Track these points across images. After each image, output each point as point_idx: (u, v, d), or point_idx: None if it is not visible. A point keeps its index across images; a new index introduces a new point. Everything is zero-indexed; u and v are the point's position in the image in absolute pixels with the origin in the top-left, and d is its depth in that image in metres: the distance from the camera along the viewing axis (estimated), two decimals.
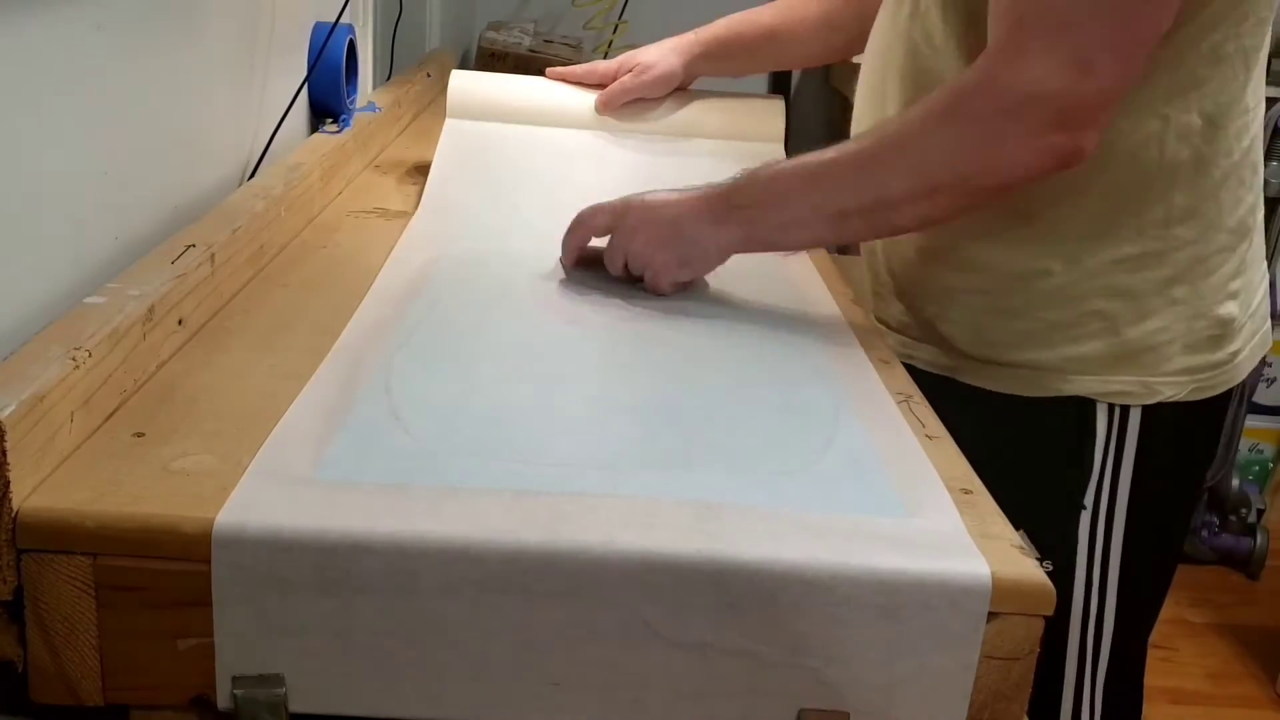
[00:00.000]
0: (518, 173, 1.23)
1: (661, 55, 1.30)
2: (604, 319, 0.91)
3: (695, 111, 1.31)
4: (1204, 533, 2.47)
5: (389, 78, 1.76)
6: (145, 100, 0.90)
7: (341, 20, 1.33)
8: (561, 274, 1.00)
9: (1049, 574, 0.62)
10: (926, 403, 0.81)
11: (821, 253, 1.17)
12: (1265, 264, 1.06)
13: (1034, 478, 0.94)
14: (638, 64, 1.29)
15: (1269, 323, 1.09)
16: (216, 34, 1.05)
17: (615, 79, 1.30)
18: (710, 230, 0.94)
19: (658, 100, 1.30)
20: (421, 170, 1.27)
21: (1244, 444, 2.64)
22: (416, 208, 1.16)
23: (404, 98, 1.58)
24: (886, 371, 0.85)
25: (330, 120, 1.31)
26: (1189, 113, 0.92)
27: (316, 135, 1.26)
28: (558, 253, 1.01)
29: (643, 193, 0.97)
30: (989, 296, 1.00)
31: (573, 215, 0.99)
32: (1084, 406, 0.99)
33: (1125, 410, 0.99)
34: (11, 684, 0.59)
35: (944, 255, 1.02)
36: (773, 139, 1.29)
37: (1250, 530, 2.47)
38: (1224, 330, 1.00)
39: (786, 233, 0.93)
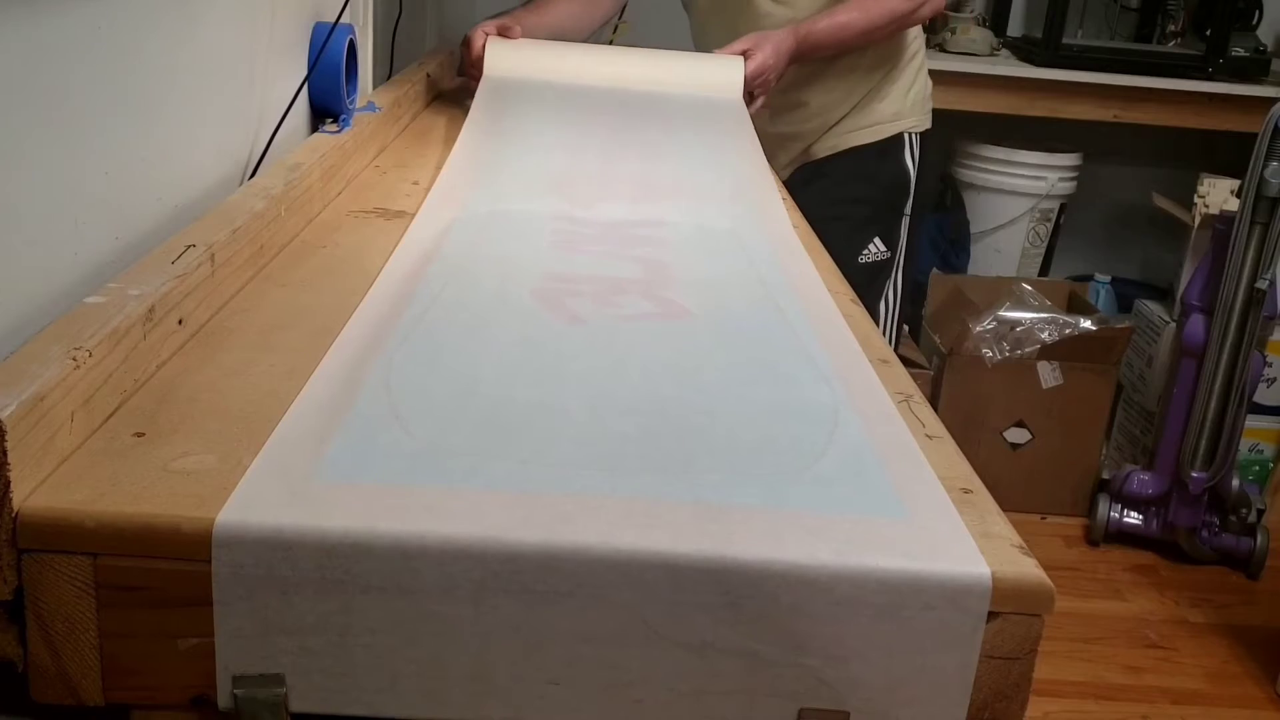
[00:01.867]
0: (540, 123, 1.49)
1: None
2: (604, 319, 0.91)
3: (669, 70, 1.66)
4: (1204, 533, 2.47)
5: (389, 78, 1.76)
6: (145, 100, 0.90)
7: (341, 20, 1.33)
8: (561, 274, 1.00)
9: (883, 260, 1.73)
10: (926, 403, 0.81)
11: (821, 252, 1.17)
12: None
13: (878, 200, 1.86)
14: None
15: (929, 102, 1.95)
16: (216, 34, 1.05)
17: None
18: (789, 53, 1.71)
19: (639, 60, 1.70)
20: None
21: (1244, 444, 2.64)
22: (418, 205, 1.16)
23: (404, 98, 1.58)
24: (886, 371, 0.85)
25: (330, 120, 1.31)
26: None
27: (316, 135, 1.26)
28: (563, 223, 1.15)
29: (765, 41, 1.68)
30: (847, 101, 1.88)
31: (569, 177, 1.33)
32: (898, 139, 1.88)
33: (916, 136, 1.90)
34: (12, 684, 0.59)
35: (814, 88, 1.86)
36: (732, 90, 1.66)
37: (1250, 530, 2.47)
38: (929, 92, 1.94)
39: (827, 54, 1.79)
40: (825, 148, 1.88)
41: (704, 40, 1.88)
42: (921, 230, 3.07)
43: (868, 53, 1.82)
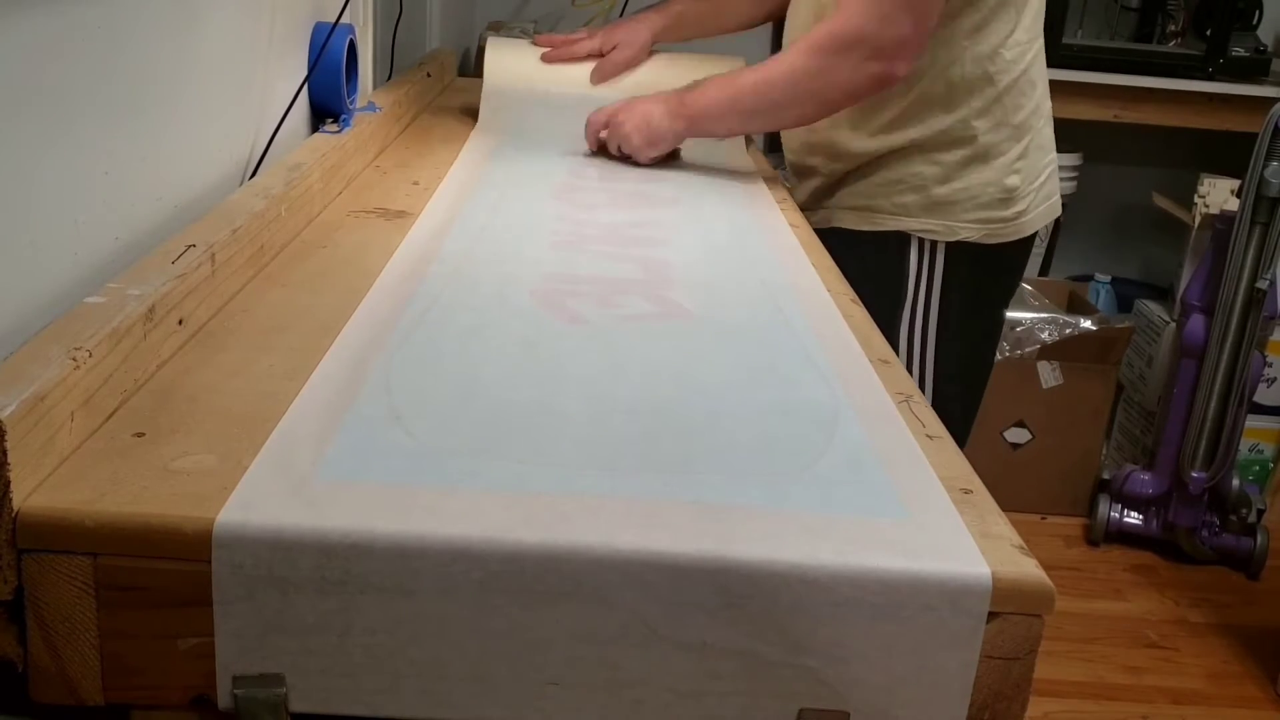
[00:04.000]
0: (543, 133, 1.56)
1: (635, 31, 1.70)
2: (604, 319, 0.91)
3: (670, 73, 1.64)
4: (1204, 533, 2.47)
5: (389, 78, 1.76)
6: (145, 100, 0.90)
7: (341, 20, 1.33)
8: (562, 274, 1.00)
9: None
10: (926, 403, 0.81)
11: (822, 252, 1.17)
12: (1049, 154, 1.52)
13: (872, 291, 1.26)
14: (616, 41, 1.69)
15: (1055, 198, 1.54)
16: (216, 34, 1.05)
17: (600, 52, 1.69)
18: (669, 123, 1.43)
19: (638, 65, 1.69)
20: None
21: (1244, 444, 2.64)
22: (419, 205, 1.16)
23: (404, 98, 1.58)
24: (886, 371, 0.85)
25: (330, 120, 1.31)
26: (980, 44, 1.39)
27: (316, 135, 1.26)
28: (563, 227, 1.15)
29: (630, 98, 1.47)
30: (849, 167, 1.48)
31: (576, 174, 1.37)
32: (903, 239, 1.45)
33: (934, 245, 1.45)
34: (12, 684, 0.59)
35: (823, 148, 1.50)
36: None
37: (1250, 530, 2.47)
38: (1008, 195, 1.44)
39: (715, 129, 1.46)
40: (823, 218, 1.52)
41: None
42: None
43: (876, 119, 1.43)
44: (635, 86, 1.62)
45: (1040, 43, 1.46)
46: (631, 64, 1.68)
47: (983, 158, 1.42)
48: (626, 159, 1.46)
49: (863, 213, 1.47)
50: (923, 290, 1.46)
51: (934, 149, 1.42)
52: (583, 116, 1.51)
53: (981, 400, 1.61)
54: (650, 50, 1.70)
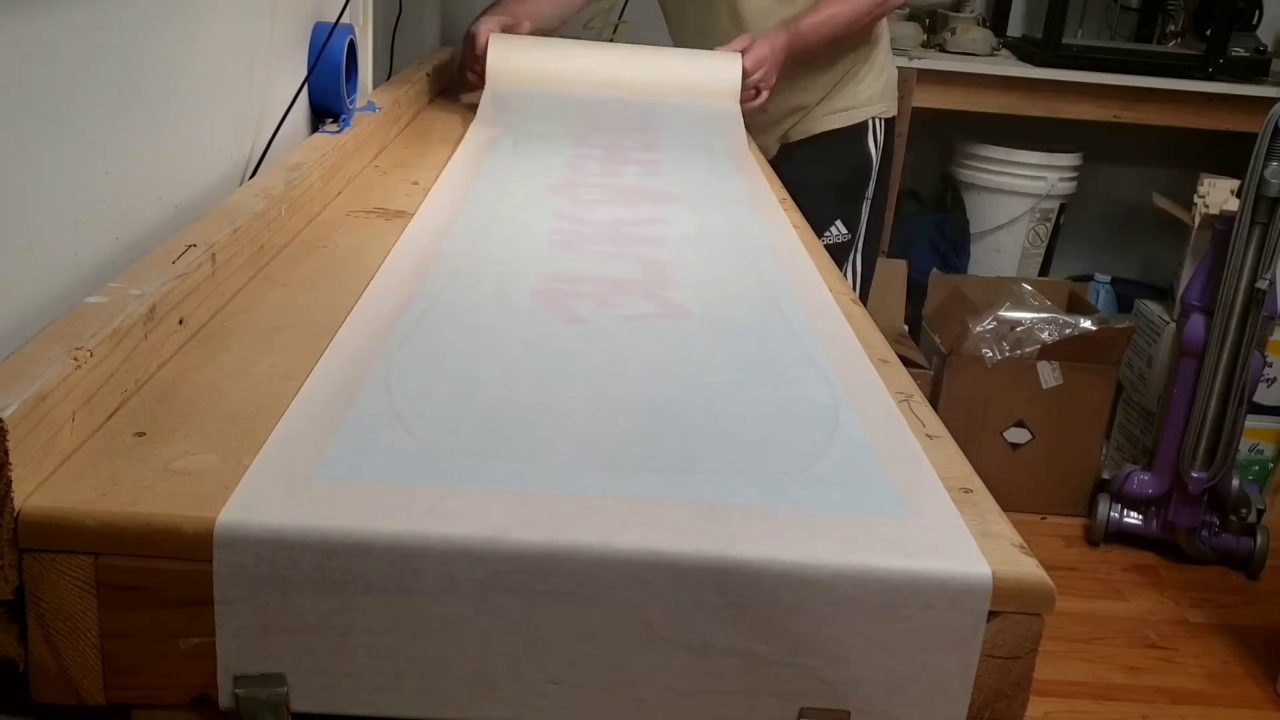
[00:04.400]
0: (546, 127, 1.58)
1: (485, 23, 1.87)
2: (604, 319, 0.91)
3: (667, 68, 1.76)
4: (1204, 533, 2.47)
5: (389, 78, 1.76)
6: (146, 100, 0.90)
7: (341, 20, 1.33)
8: (562, 274, 1.00)
9: (844, 242, 1.95)
10: (927, 402, 0.81)
11: (822, 252, 1.17)
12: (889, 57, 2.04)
13: (843, 181, 1.96)
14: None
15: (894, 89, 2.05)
16: (217, 34, 1.05)
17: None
18: (782, 50, 1.80)
19: (638, 59, 1.82)
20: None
21: (1244, 444, 2.64)
22: (419, 205, 1.16)
23: (404, 98, 1.58)
24: (887, 371, 0.85)
25: (330, 120, 1.31)
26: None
27: (316, 135, 1.26)
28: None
29: (768, 45, 1.78)
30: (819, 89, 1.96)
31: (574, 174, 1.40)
32: (864, 128, 1.96)
33: (884, 124, 1.99)
34: (13, 683, 0.59)
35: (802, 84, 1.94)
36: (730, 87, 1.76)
37: (1250, 530, 2.47)
38: (895, 80, 2.03)
39: (817, 48, 1.87)
40: (799, 132, 1.97)
41: (682, 38, 2.00)
42: (921, 230, 3.08)
43: (851, 47, 1.92)
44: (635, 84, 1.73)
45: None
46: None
47: (888, 52, 2.01)
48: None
49: (845, 112, 1.95)
50: (878, 168, 1.98)
51: (875, 48, 1.96)
52: (583, 113, 1.52)
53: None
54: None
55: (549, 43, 1.77)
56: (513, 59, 1.70)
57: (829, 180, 1.96)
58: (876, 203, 2.01)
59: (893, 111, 2.02)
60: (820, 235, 1.86)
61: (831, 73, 1.94)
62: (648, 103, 1.69)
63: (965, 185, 3.10)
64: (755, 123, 1.82)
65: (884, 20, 1.98)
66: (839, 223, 1.96)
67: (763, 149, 1.88)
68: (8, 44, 0.70)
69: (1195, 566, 2.50)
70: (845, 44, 1.91)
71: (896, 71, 2.05)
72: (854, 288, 1.99)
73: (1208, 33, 2.88)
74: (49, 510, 0.57)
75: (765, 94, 1.78)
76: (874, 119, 1.97)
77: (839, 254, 1.95)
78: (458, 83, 1.90)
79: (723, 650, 0.59)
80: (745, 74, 1.73)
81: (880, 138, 1.99)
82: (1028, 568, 0.60)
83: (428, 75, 1.79)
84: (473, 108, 1.66)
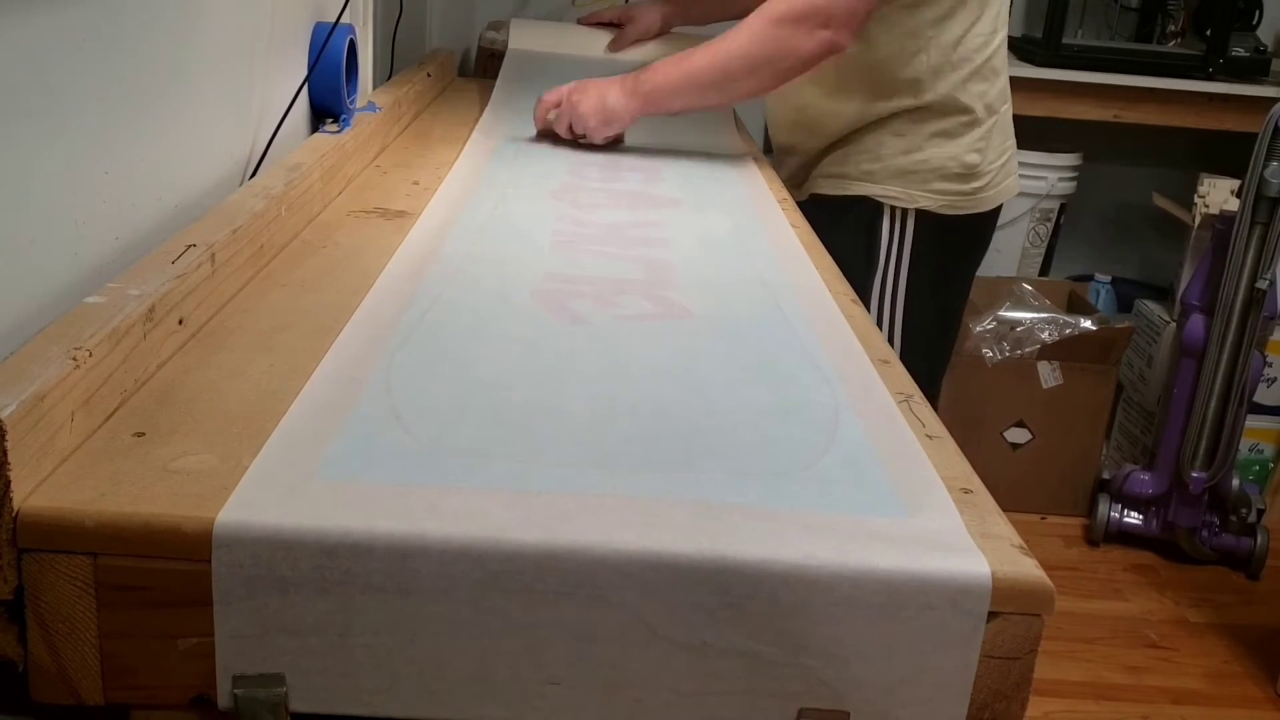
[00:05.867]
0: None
1: (646, 9, 1.97)
2: (604, 319, 0.91)
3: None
4: (1204, 533, 2.47)
5: (389, 78, 1.76)
6: (145, 100, 0.90)
7: (341, 20, 1.33)
8: (562, 274, 1.00)
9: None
10: (927, 402, 0.81)
11: (822, 253, 1.17)
12: (1010, 139, 1.65)
13: (848, 258, 1.38)
14: (631, 16, 1.97)
15: (1014, 178, 1.67)
16: (216, 34, 1.05)
17: (619, 24, 1.98)
18: (625, 102, 1.48)
19: (648, 49, 1.92)
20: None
21: (1244, 444, 2.64)
22: (419, 205, 1.16)
23: (404, 98, 1.58)
24: (887, 371, 0.85)
25: (330, 120, 1.31)
26: (944, 34, 1.53)
27: (316, 135, 1.26)
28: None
29: (583, 80, 1.51)
30: (825, 143, 1.64)
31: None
32: (874, 205, 1.59)
33: (904, 214, 1.58)
34: (12, 683, 0.59)
35: (805, 126, 1.67)
36: None
37: (1250, 530, 2.47)
38: (968, 171, 1.58)
39: (671, 105, 1.49)
40: (806, 190, 1.69)
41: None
42: None
43: (852, 98, 1.58)
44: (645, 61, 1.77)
45: (1003, 34, 1.60)
46: (642, 37, 1.95)
47: (945, 135, 1.57)
48: (578, 139, 1.51)
49: (836, 180, 1.62)
50: (893, 257, 1.60)
51: (901, 125, 1.57)
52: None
53: (945, 372, 1.80)
54: (660, 28, 1.97)
55: (562, 29, 2.04)
56: (532, 41, 1.97)
57: (829, 243, 1.36)
58: (909, 298, 1.61)
59: (918, 203, 1.58)
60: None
61: (825, 124, 1.63)
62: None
63: None
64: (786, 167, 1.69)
65: (929, 86, 1.54)
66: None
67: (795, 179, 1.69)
68: (8, 44, 0.70)
69: (1195, 566, 2.50)
70: (854, 101, 1.57)
71: (968, 159, 1.58)
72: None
73: (1208, 33, 2.88)
74: (48, 510, 0.57)
75: (558, 123, 1.50)
76: (890, 205, 1.58)
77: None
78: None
79: (722, 650, 0.59)
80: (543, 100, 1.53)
81: (903, 229, 1.59)
82: (1027, 568, 0.60)
83: (428, 75, 1.79)
84: (473, 110, 1.67)
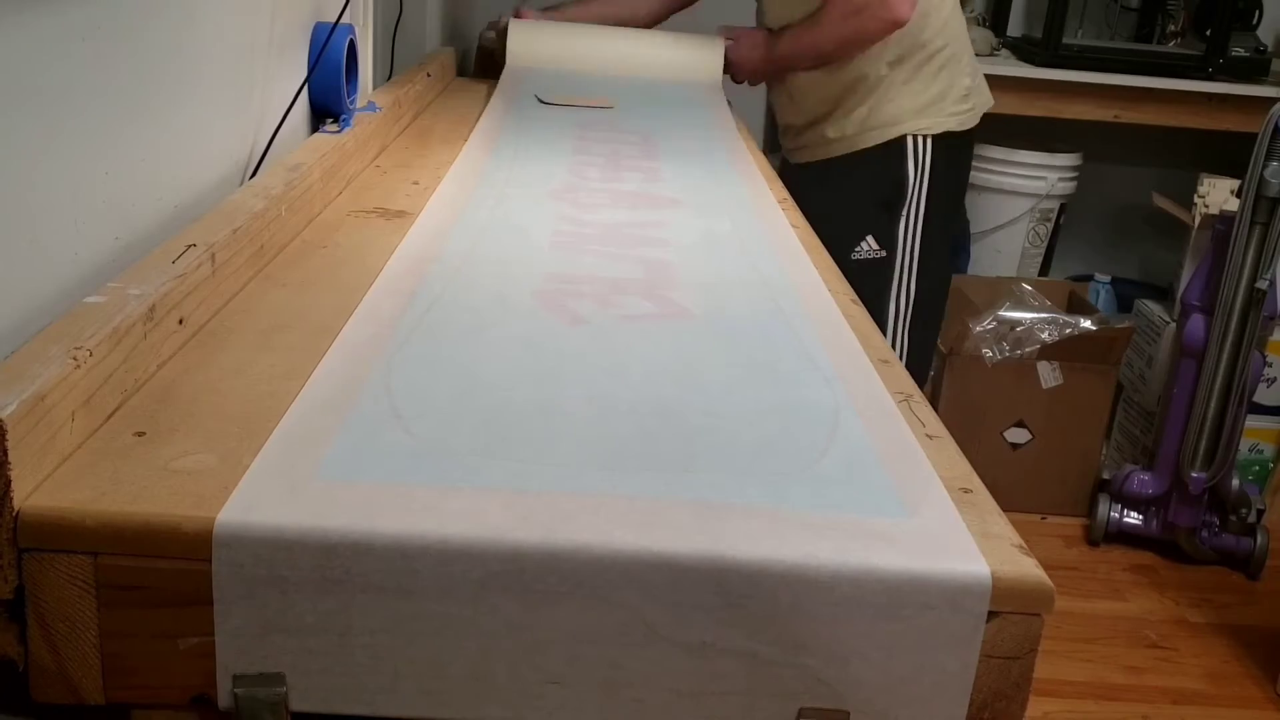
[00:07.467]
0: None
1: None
2: (605, 319, 0.91)
3: (654, 52, 2.04)
4: (1204, 533, 2.47)
5: (389, 78, 1.76)
6: (145, 100, 0.90)
7: (341, 20, 1.33)
8: (562, 274, 1.00)
9: (879, 259, 1.93)
10: (927, 402, 0.81)
11: (822, 252, 1.17)
12: (972, 56, 2.01)
13: (875, 201, 1.94)
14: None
15: (986, 91, 2.05)
16: (216, 34, 1.05)
17: None
18: (761, 60, 2.00)
19: (626, 41, 2.07)
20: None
21: (1244, 444, 2.64)
22: (419, 205, 1.16)
23: (404, 98, 1.58)
24: (887, 371, 0.85)
25: (330, 120, 1.31)
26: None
27: (316, 135, 1.26)
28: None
29: (752, 29, 2.04)
30: (849, 102, 1.96)
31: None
32: (898, 144, 1.93)
33: (925, 141, 1.93)
34: (12, 683, 0.59)
35: (841, 90, 1.96)
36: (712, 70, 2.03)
37: (1250, 530, 2.47)
38: (966, 92, 1.98)
39: (796, 67, 1.97)
40: (822, 153, 2.00)
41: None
42: None
43: (848, 66, 1.91)
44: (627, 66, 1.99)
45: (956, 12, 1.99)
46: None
47: (947, 65, 1.93)
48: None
49: (870, 131, 1.93)
50: (918, 186, 1.93)
51: (904, 73, 1.91)
52: (588, 116, 1.54)
53: (945, 309, 2.15)
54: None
55: (563, 28, 2.08)
56: (533, 44, 2.01)
57: (856, 197, 1.94)
58: (927, 223, 1.94)
59: (943, 127, 1.93)
60: (851, 250, 1.91)
61: (838, 91, 1.93)
62: (646, 102, 1.77)
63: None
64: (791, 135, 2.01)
65: (931, 33, 1.90)
66: (870, 238, 1.93)
67: (797, 151, 2.04)
68: (8, 44, 0.70)
69: (1195, 566, 2.50)
70: (851, 66, 1.90)
71: (958, 85, 1.95)
72: (905, 312, 1.97)
73: (1208, 33, 2.88)
74: (48, 510, 0.57)
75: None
76: (914, 136, 1.91)
77: (874, 270, 1.93)
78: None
79: (722, 650, 0.59)
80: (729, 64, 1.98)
81: (924, 156, 1.92)
82: (1027, 568, 0.60)
83: (428, 75, 1.79)
84: (472, 110, 1.67)
